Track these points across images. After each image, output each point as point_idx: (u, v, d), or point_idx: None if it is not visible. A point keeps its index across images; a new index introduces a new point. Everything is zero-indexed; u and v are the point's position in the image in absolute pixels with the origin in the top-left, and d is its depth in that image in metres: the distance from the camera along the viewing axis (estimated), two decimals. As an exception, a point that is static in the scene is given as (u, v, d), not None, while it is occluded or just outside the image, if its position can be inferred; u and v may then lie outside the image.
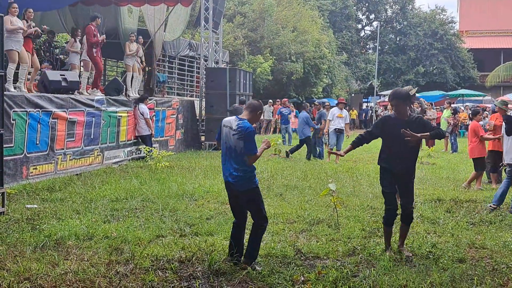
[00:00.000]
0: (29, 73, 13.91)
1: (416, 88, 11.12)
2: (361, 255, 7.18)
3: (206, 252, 7.08)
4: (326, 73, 41.36)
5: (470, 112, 14.75)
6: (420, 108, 11.69)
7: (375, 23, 58.00)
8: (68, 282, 5.87)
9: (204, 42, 22.78)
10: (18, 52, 12.81)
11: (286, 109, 26.36)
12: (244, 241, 6.82)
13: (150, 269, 6.39)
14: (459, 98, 42.13)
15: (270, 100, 32.35)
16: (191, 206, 10.08)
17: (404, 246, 7.36)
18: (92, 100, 14.48)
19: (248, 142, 6.33)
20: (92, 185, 11.94)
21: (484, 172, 13.51)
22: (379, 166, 7.39)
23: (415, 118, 7.29)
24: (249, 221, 6.73)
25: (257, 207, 6.53)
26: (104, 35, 16.20)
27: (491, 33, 59.20)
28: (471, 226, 9.05)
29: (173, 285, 6.00)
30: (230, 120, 6.54)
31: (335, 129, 17.95)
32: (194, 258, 6.84)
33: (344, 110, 18.79)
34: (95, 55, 15.50)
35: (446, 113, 24.85)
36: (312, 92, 40.48)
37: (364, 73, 53.02)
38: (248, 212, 6.71)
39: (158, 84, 21.10)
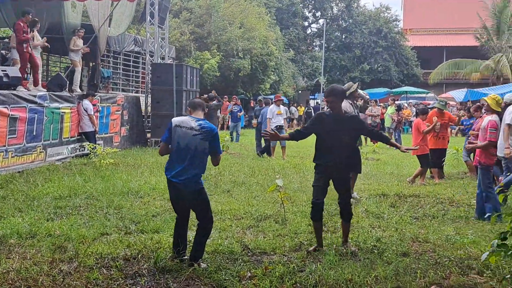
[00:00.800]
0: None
1: (357, 83, 11.26)
2: (307, 250, 7.23)
3: (152, 249, 7.02)
4: (273, 70, 41.48)
5: (418, 109, 14.99)
6: (362, 101, 11.81)
7: (321, 21, 58.44)
8: (10, 281, 5.74)
9: (150, 38, 22.55)
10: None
11: (237, 106, 26.28)
12: (190, 237, 6.79)
13: (94, 267, 6.29)
14: (403, 95, 42.91)
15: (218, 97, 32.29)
16: (136, 203, 9.98)
17: (349, 241, 7.42)
18: (35, 96, 14.15)
19: (217, 142, 6.42)
20: (35, 182, 11.67)
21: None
22: (314, 163, 7.40)
23: (350, 116, 7.42)
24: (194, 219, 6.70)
25: (204, 207, 6.52)
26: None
27: (434, 31, 60.37)
28: (414, 220, 9.22)
29: (118, 282, 5.93)
30: (186, 120, 6.41)
31: (276, 126, 17.99)
32: (139, 256, 6.77)
33: (282, 106, 18.80)
34: (25, 50, 14.83)
35: (390, 110, 25.28)
36: (259, 88, 40.56)
37: (311, 70, 53.41)
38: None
39: (103, 80, 20.78)
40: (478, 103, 15.87)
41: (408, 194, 11.49)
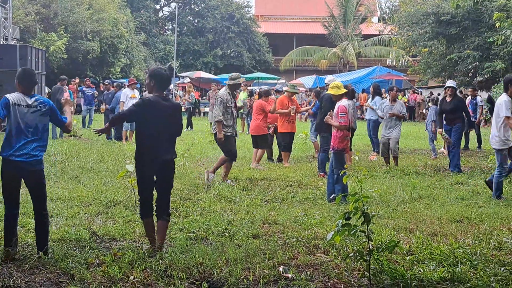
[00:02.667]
0: None
1: (238, 74, 11.35)
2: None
3: (-6, 238, 6.64)
4: (124, 53, 40.70)
5: (261, 91, 15.24)
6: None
7: (173, 4, 58.00)
8: None
9: (-8, 17, 21.27)
10: None
11: (90, 89, 25.23)
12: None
13: None
14: (255, 81, 43.61)
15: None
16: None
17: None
18: None
19: (57, 111, 6.26)
20: None
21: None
22: None
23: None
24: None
25: (44, 189, 6.30)
26: None
27: (285, 19, 61.83)
28: (265, 203, 9.41)
29: (-45, 275, 5.54)
30: (20, 98, 6.07)
31: None
32: (-20, 245, 6.37)
33: (136, 90, 18.50)
34: None
35: (243, 95, 25.59)
36: (110, 72, 39.63)
37: (163, 54, 52.90)
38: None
39: None
40: (318, 89, 16.43)
41: (259, 178, 11.71)
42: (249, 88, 28.04)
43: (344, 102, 9.77)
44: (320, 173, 12.08)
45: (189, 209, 8.67)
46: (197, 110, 36.77)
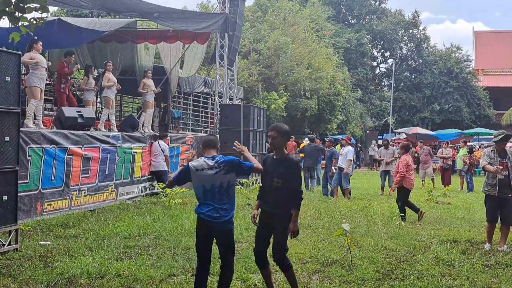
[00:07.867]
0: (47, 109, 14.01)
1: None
2: (374, 298, 7.11)
3: (218, 292, 7.04)
4: (340, 109, 41.50)
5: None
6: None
7: (390, 61, 58.34)
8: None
9: (219, 79, 22.95)
10: (40, 89, 12.86)
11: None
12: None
13: (161, 310, 6.35)
14: (474, 137, 41.97)
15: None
16: (204, 244, 10.00)
17: None
18: (108, 136, 14.57)
19: (242, 163, 6.44)
20: (106, 221, 11.94)
21: None
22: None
23: (290, 162, 6.75)
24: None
25: (232, 249, 6.52)
26: (78, 65, 16.71)
27: (507, 72, 59.12)
28: (486, 268, 8.91)
29: (184, 326, 5.96)
30: (202, 163, 6.41)
31: (338, 167, 17.94)
32: (205, 299, 6.78)
33: (347, 147, 18.43)
34: (62, 90, 15.38)
35: (462, 152, 24.72)
36: (326, 128, 40.55)
37: (379, 110, 53.14)
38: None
39: (173, 120, 21.20)
40: (406, 142, 15.60)
41: (480, 241, 11.12)
42: (468, 144, 27.01)
43: None
44: None
45: (406, 272, 8.49)
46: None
